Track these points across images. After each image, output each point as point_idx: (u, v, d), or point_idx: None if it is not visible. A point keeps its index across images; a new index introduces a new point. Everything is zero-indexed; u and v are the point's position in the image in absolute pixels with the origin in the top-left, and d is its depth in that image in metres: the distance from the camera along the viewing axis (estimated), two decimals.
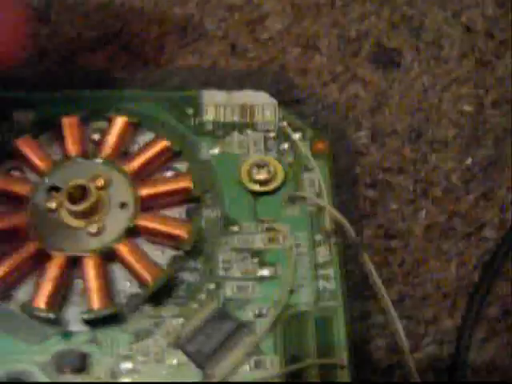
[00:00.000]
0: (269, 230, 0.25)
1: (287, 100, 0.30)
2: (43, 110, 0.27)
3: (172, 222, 0.25)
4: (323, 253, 0.25)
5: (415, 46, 0.34)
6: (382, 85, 0.33)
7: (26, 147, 0.26)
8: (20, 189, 0.25)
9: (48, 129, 0.27)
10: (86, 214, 0.24)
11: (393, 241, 0.29)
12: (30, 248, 0.24)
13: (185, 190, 0.25)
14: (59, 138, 0.27)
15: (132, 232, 0.24)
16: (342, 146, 0.30)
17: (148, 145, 0.26)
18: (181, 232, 0.24)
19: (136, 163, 0.26)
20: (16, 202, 0.25)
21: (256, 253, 0.25)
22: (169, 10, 0.34)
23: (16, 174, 0.26)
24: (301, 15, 0.34)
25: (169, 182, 0.25)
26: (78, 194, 0.24)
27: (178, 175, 0.26)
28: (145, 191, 0.25)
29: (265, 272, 0.25)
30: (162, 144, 0.26)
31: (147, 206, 0.25)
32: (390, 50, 0.34)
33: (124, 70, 0.32)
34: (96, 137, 0.27)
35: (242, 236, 0.25)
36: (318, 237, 0.25)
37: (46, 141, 0.27)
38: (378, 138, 0.31)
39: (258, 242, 0.25)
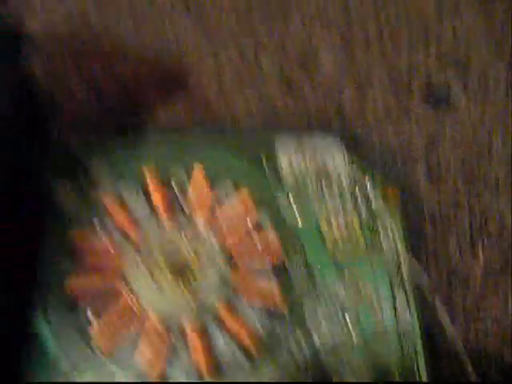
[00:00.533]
0: (351, 281, 0.26)
1: (350, 143, 0.30)
2: (117, 158, 0.28)
3: (265, 282, 0.25)
4: (402, 302, 0.26)
5: (462, 82, 0.34)
6: (434, 123, 0.33)
7: (112, 207, 0.26)
8: (113, 262, 0.25)
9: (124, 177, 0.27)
10: (181, 276, 0.25)
11: (452, 276, 0.30)
12: (124, 304, 0.24)
13: (273, 254, 0.26)
14: (138, 189, 0.27)
15: (226, 290, 0.25)
16: (400, 186, 0.31)
17: (232, 197, 0.27)
18: (274, 295, 0.25)
19: (222, 219, 0.26)
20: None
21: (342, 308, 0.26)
22: (223, 46, 0.34)
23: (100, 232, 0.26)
24: (351, 50, 0.35)
25: (258, 238, 0.26)
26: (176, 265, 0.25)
27: (267, 239, 0.26)
28: (235, 249, 0.26)
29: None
30: (244, 196, 0.27)
31: (235, 260, 0.26)
32: (439, 86, 0.34)
33: (184, 111, 0.32)
34: (175, 188, 0.27)
35: (326, 288, 0.26)
36: (397, 289, 0.26)
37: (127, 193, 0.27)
38: (433, 176, 0.32)
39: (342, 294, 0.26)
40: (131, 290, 0.25)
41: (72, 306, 0.25)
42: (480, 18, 0.35)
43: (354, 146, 0.30)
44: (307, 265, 0.26)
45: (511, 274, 0.31)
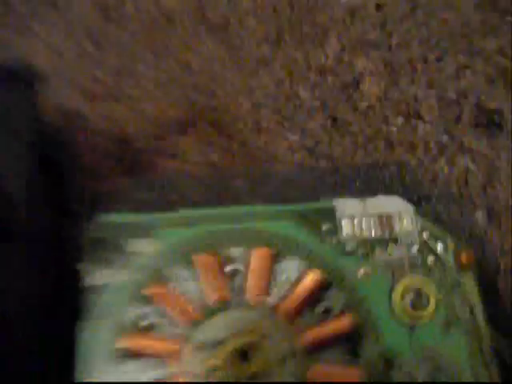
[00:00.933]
0: (430, 359, 0.23)
1: (413, 199, 0.27)
2: (159, 236, 0.24)
3: (343, 368, 0.22)
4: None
5: None
6: (489, 154, 0.30)
7: (163, 294, 0.23)
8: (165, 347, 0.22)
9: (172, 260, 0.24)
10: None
11: None
12: None
13: (346, 332, 0.23)
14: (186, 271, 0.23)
15: None
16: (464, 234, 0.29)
17: (298, 280, 0.23)
18: (353, 378, 0.22)
19: (291, 304, 0.23)
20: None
21: None
22: (254, 74, 0.31)
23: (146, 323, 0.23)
24: (395, 74, 0.31)
25: (330, 326, 0.23)
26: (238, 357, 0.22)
27: (337, 316, 0.23)
28: (308, 339, 0.22)
29: None
30: (315, 276, 0.23)
31: (307, 354, 0.22)
32: (491, 110, 0.31)
33: (220, 156, 0.29)
34: (228, 269, 0.24)
35: (405, 370, 0.23)
36: (480, 368, 0.23)
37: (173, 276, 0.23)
38: (494, 217, 0.30)
39: (423, 373, 0.23)
40: None
41: None
42: None
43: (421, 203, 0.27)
44: (382, 351, 0.23)
45: None
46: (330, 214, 0.25)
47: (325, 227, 0.25)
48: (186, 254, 0.24)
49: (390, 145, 0.30)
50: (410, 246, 0.25)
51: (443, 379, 0.23)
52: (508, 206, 0.30)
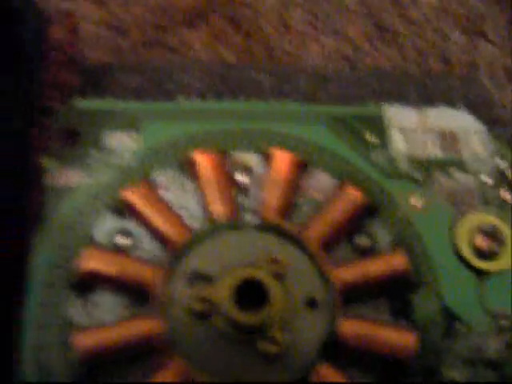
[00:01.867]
0: (506, 330, 0.17)
1: (486, 119, 0.21)
2: (151, 131, 0.17)
3: (389, 329, 0.16)
4: None
5: None
6: None
7: (143, 202, 0.16)
8: (145, 276, 0.15)
9: (161, 161, 0.17)
10: (259, 326, 0.15)
11: None
12: (168, 374, 0.15)
13: (399, 274, 0.16)
14: (181, 177, 0.17)
15: (332, 347, 0.15)
16: None
17: (333, 197, 0.17)
18: (404, 343, 0.15)
19: (321, 229, 0.16)
20: (138, 294, 0.16)
21: (491, 364, 0.16)
22: None
23: (125, 241, 0.17)
24: None
25: (378, 263, 0.16)
26: (244, 293, 0.15)
27: (387, 251, 0.16)
28: (344, 277, 0.16)
29: None
30: (354, 195, 0.17)
31: (345, 301, 0.16)
32: None
33: (236, 57, 0.23)
34: (241, 179, 0.17)
35: (470, 339, 0.16)
36: None
37: (163, 182, 0.17)
38: None
39: (492, 348, 0.16)
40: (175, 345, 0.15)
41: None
42: None
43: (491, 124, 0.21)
44: (442, 304, 0.16)
45: None
46: (377, 123, 0.18)
47: (370, 138, 0.18)
48: (181, 155, 0.17)
49: (447, 62, 0.23)
50: (479, 173, 0.18)
51: None
52: None
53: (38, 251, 0.16)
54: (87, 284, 0.16)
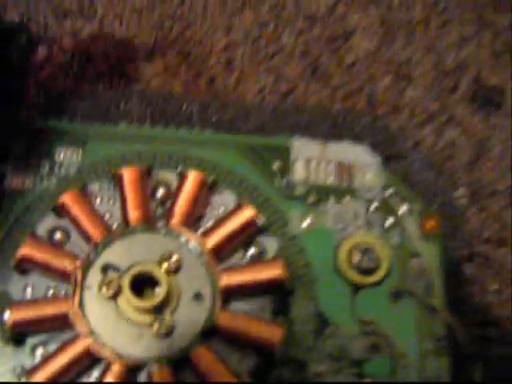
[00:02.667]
0: (370, 334, 0.19)
1: (386, 153, 0.24)
2: (93, 149, 0.21)
3: (260, 323, 0.19)
4: (434, 366, 0.20)
5: None
6: (481, 131, 0.27)
7: (75, 206, 0.20)
8: (65, 264, 0.19)
9: (98, 174, 0.21)
10: (152, 310, 0.18)
11: (489, 329, 0.24)
12: (78, 347, 0.18)
13: (276, 281, 0.19)
14: (111, 188, 0.20)
15: (209, 333, 0.18)
16: (438, 206, 0.25)
17: (231, 214, 0.20)
18: (271, 336, 0.18)
19: (215, 239, 0.19)
20: (61, 278, 0.19)
21: (354, 362, 0.19)
22: (238, 13, 0.28)
23: (59, 236, 0.20)
24: (391, 34, 0.28)
25: (258, 270, 0.19)
26: (143, 282, 0.18)
27: (269, 261, 0.20)
28: (228, 280, 0.19)
29: None
30: (249, 214, 0.20)
31: (226, 298, 0.19)
32: (490, 87, 0.28)
33: (185, 89, 0.26)
34: (160, 192, 0.20)
35: (338, 340, 0.19)
36: (428, 345, 0.19)
37: (97, 191, 0.20)
38: (477, 198, 0.26)
39: (357, 349, 0.19)
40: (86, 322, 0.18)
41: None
42: None
43: (392, 159, 0.23)
44: (317, 309, 0.19)
45: None
46: (284, 153, 0.21)
47: (275, 166, 0.21)
48: (113, 170, 0.20)
49: (372, 103, 0.26)
50: (369, 201, 0.21)
51: (379, 359, 0.19)
52: (493, 189, 0.26)
53: None
54: (24, 267, 0.19)
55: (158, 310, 0.18)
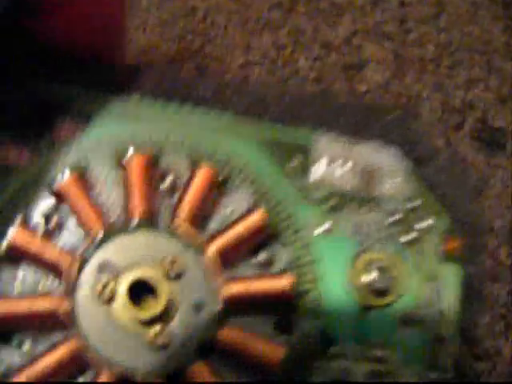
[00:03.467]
0: (374, 359, 0.18)
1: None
2: (98, 126, 0.19)
3: (261, 340, 0.18)
4: None
5: None
6: (483, 169, 0.27)
7: (74, 194, 0.18)
8: (58, 259, 0.18)
9: (102, 155, 0.19)
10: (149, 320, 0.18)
11: (479, 363, 0.24)
12: (66, 349, 0.17)
13: (283, 296, 0.18)
14: (115, 173, 0.19)
15: (208, 348, 0.18)
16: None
17: (240, 217, 0.19)
18: (272, 356, 0.18)
19: (222, 243, 0.18)
20: (53, 272, 0.18)
21: None
22: (257, 34, 0.28)
23: (55, 222, 0.19)
24: (403, 68, 0.29)
25: (265, 283, 0.18)
26: (141, 288, 0.17)
27: (278, 274, 0.18)
28: (231, 291, 0.18)
29: None
30: (260, 217, 0.19)
31: (228, 310, 0.18)
32: (495, 128, 0.28)
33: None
34: (168, 181, 0.19)
35: (341, 363, 0.18)
36: (432, 375, 0.19)
37: (99, 176, 0.19)
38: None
39: (360, 373, 0.18)
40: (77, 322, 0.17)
41: None
42: None
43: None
44: (323, 327, 0.18)
45: None
46: (305, 149, 0.20)
47: (294, 163, 0.20)
48: (117, 153, 0.19)
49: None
50: (391, 212, 0.19)
51: None
52: (492, 227, 0.26)
53: None
54: (13, 257, 0.18)
55: (155, 319, 0.17)
